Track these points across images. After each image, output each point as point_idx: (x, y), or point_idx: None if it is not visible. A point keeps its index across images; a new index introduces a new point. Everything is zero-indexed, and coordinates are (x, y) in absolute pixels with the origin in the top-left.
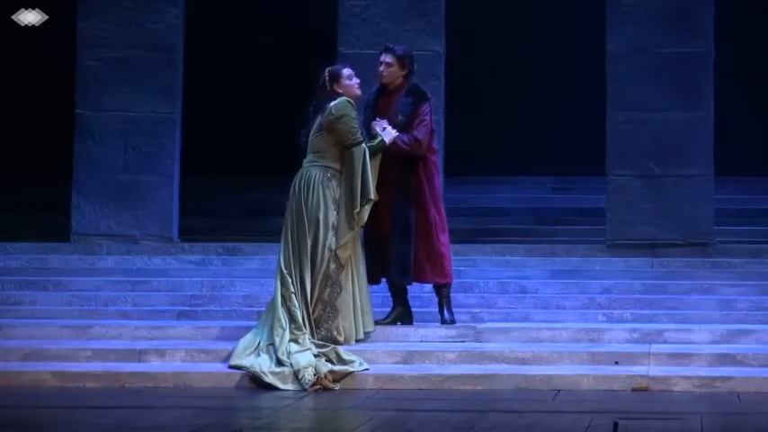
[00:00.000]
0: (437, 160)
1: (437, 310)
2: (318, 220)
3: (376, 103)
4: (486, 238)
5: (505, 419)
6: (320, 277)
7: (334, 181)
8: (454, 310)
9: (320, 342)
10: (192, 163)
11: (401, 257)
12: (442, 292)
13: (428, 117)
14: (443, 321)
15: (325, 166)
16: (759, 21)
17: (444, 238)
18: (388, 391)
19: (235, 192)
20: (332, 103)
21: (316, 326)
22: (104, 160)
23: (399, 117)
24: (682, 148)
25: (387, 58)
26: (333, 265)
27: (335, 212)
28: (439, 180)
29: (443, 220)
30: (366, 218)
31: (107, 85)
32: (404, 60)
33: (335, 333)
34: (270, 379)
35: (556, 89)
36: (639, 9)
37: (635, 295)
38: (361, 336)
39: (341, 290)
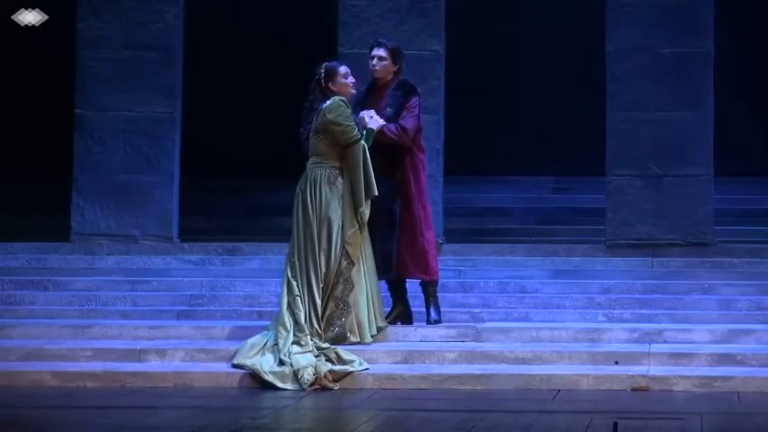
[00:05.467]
0: (425, 158)
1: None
2: (330, 218)
3: (366, 100)
4: (486, 238)
5: (505, 419)
6: (333, 274)
7: (339, 179)
8: (454, 310)
9: (324, 345)
10: (192, 163)
11: (384, 251)
12: (429, 290)
13: (417, 110)
14: (429, 321)
15: (329, 166)
16: (759, 20)
17: (429, 234)
18: (387, 390)
19: (235, 192)
20: (324, 105)
21: (328, 324)
22: (104, 160)
23: (388, 110)
24: (682, 148)
25: (380, 51)
26: (345, 262)
27: (341, 209)
28: (425, 177)
29: (428, 218)
30: (368, 213)
31: (107, 85)
32: (396, 54)
33: (348, 332)
34: (269, 378)
35: (556, 89)
36: (639, 9)
37: (635, 295)
38: (375, 332)
39: (353, 286)
